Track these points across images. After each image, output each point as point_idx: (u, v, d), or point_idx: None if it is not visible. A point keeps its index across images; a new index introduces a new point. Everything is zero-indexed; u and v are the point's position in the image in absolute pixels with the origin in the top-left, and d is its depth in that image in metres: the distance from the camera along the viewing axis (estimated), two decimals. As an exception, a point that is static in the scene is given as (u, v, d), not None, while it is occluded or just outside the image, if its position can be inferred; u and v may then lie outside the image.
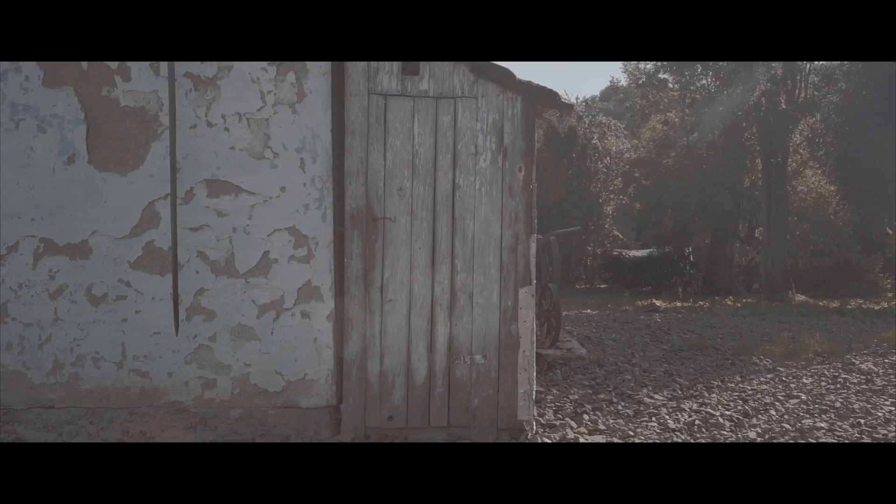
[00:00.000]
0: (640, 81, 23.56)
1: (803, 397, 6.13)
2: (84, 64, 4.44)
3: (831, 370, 7.32)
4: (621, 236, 31.57)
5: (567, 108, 4.88)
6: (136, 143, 4.51)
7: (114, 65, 4.46)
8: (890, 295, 21.02)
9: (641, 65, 23.03)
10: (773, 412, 5.66)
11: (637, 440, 4.95)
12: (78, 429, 4.56)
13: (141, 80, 4.49)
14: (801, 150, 23.58)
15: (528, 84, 4.69)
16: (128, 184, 4.51)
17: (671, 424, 5.31)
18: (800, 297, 18.89)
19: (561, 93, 4.73)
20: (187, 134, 4.51)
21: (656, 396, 6.22)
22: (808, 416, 5.55)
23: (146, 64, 4.46)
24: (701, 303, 17.59)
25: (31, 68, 4.43)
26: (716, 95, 20.01)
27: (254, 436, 4.61)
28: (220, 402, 4.62)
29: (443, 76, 4.62)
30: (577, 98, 32.27)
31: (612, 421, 5.43)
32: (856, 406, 5.83)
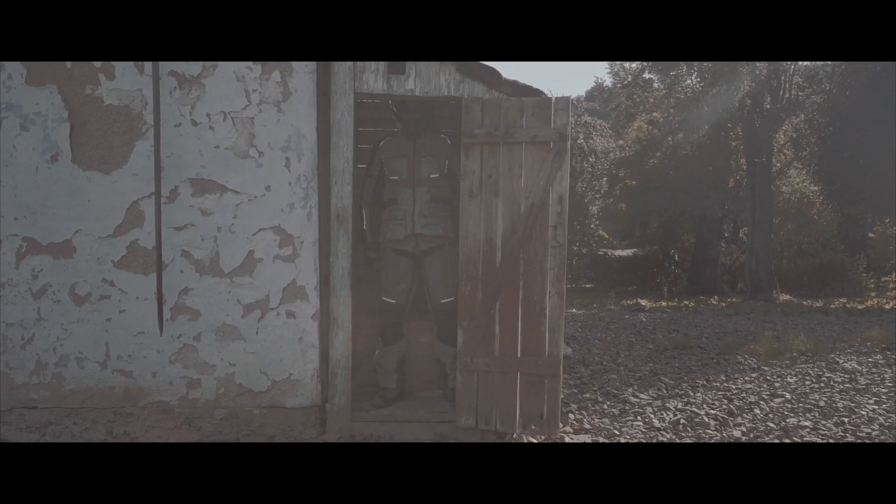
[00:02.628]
0: (626, 81, 23.61)
1: (788, 396, 6.16)
2: (68, 62, 4.41)
3: (815, 369, 7.37)
4: (607, 236, 31.62)
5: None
6: (120, 142, 4.48)
7: (98, 63, 4.43)
8: (873, 294, 21.16)
9: (626, 65, 23.08)
10: (757, 411, 5.69)
11: (622, 439, 4.96)
12: (61, 429, 4.53)
13: (125, 79, 4.47)
14: (785, 151, 23.69)
15: (514, 83, 4.70)
16: (112, 183, 4.48)
17: (656, 423, 5.33)
18: (784, 297, 18.99)
19: (546, 92, 4.74)
20: (172, 133, 4.48)
21: (641, 395, 6.24)
22: (792, 414, 5.58)
23: (130, 62, 4.44)
24: (686, 302, 17.66)
25: (13, 66, 4.39)
26: (701, 96, 20.07)
27: (238, 436, 4.60)
28: (205, 401, 4.60)
29: (429, 76, 4.62)
30: (562, 98, 32.22)
31: (597, 420, 5.45)
32: (840, 405, 5.87)
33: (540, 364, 4.43)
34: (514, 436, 4.66)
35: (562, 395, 6.14)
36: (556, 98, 4.46)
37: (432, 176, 5.01)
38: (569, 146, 4.38)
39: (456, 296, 4.75)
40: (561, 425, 5.22)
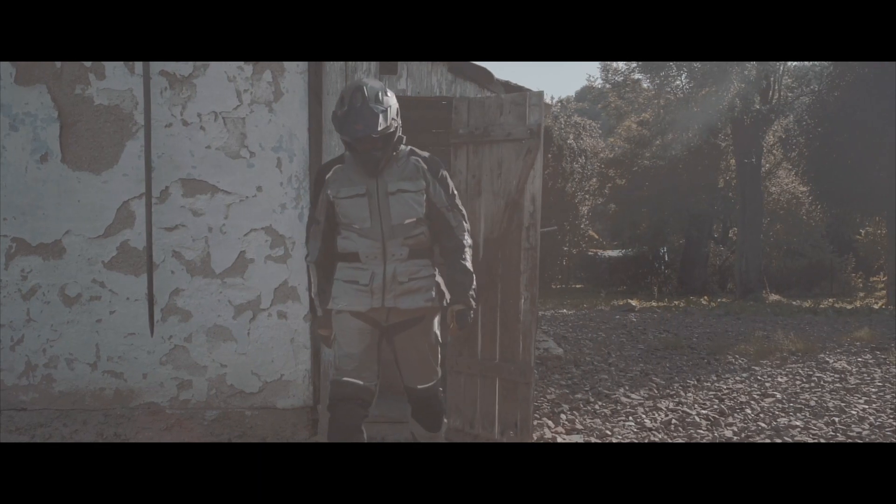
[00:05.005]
0: (616, 81, 23.68)
1: (778, 396, 6.18)
2: (57, 62, 4.39)
3: (805, 369, 7.38)
4: (596, 236, 31.71)
5: (544, 108, 4.88)
6: (110, 142, 4.46)
7: (88, 63, 4.41)
8: (862, 294, 21.28)
9: (616, 65, 23.16)
10: (748, 411, 5.70)
11: (614, 439, 4.96)
12: (51, 431, 4.50)
13: (115, 79, 4.44)
14: (774, 151, 23.81)
15: (506, 84, 4.70)
16: (102, 183, 4.46)
17: (648, 424, 5.33)
18: (774, 297, 19.05)
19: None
20: (162, 133, 4.46)
21: (633, 396, 6.24)
22: (783, 414, 5.59)
23: (121, 62, 4.42)
24: (676, 302, 17.69)
25: (2, 66, 4.37)
26: (690, 96, 20.14)
27: (230, 437, 4.58)
28: (196, 403, 4.58)
29: (420, 76, 4.61)
30: (552, 98, 32.38)
31: (589, 420, 5.45)
32: (830, 404, 5.88)
33: (513, 370, 4.42)
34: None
35: (553, 395, 6.16)
36: (530, 93, 4.42)
37: (407, 221, 3.40)
38: (541, 144, 4.30)
39: (438, 375, 3.65)
40: (553, 425, 5.23)
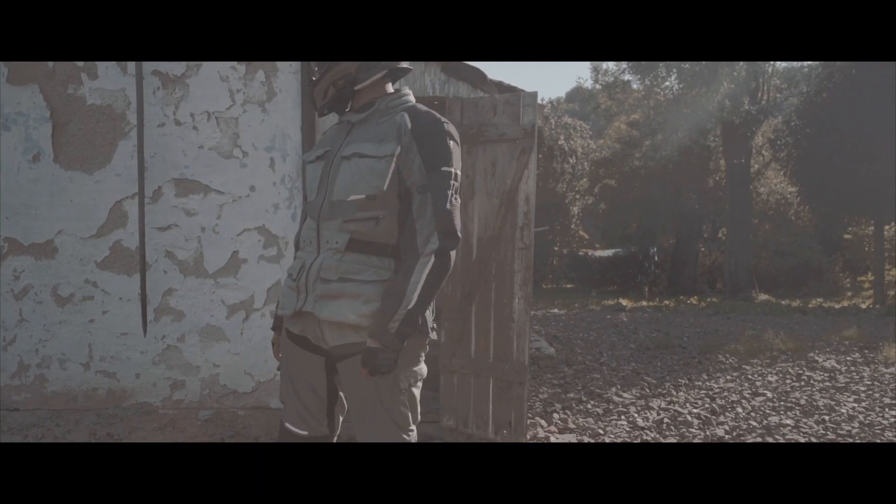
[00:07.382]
0: (606, 82, 23.75)
1: (769, 395, 6.21)
2: (49, 62, 4.38)
3: (795, 368, 7.43)
4: (587, 236, 31.78)
5: (538, 108, 4.90)
6: (102, 142, 4.45)
7: (80, 62, 4.40)
8: (850, 294, 21.40)
9: (606, 66, 23.24)
10: (739, 410, 5.73)
11: (607, 439, 4.98)
12: (44, 431, 4.49)
13: (108, 78, 4.43)
14: (763, 152, 23.92)
15: (499, 84, 4.71)
16: (94, 183, 4.45)
17: (640, 423, 5.35)
18: (763, 297, 19.15)
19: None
20: (155, 132, 4.45)
21: (625, 395, 6.26)
22: (774, 413, 5.62)
23: (113, 62, 4.41)
24: (666, 302, 17.76)
25: (-6, 65, 4.36)
26: (680, 97, 20.21)
27: (223, 437, 4.58)
28: (189, 403, 4.58)
29: (414, 76, 4.62)
30: (543, 99, 32.43)
31: (582, 420, 5.46)
32: (820, 403, 5.92)
33: (507, 370, 4.43)
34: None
35: (545, 395, 6.18)
36: (524, 93, 4.43)
37: (352, 198, 2.30)
38: (535, 144, 4.32)
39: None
40: (546, 424, 5.24)
